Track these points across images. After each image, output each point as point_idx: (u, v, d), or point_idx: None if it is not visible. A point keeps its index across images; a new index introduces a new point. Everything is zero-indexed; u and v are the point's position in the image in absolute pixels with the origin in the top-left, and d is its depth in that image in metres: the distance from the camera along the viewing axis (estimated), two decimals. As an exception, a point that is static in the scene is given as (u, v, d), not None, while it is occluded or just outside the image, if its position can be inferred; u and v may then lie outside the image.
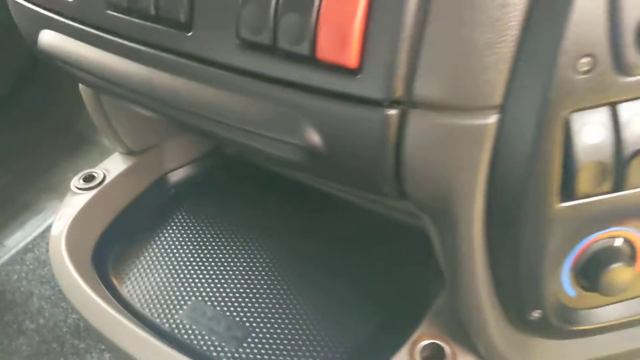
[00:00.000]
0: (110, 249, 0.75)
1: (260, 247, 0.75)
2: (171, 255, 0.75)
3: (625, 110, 0.37)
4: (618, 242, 0.50)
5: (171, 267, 0.73)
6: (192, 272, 0.73)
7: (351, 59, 0.37)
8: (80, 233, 0.73)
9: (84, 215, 0.74)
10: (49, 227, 1.27)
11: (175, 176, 0.83)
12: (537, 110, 0.36)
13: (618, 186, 0.39)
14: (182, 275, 0.72)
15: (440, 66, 0.36)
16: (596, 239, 0.49)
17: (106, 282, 0.69)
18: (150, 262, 0.74)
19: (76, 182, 0.77)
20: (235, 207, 0.81)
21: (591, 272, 0.49)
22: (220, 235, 0.77)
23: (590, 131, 0.37)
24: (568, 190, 0.39)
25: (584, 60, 0.34)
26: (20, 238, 1.28)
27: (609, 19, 0.34)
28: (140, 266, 0.74)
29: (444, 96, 0.37)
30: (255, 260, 0.73)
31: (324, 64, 0.38)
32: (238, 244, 0.76)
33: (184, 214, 0.80)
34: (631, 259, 0.51)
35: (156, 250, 0.76)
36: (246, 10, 0.39)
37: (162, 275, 0.72)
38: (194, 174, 0.83)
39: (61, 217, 0.73)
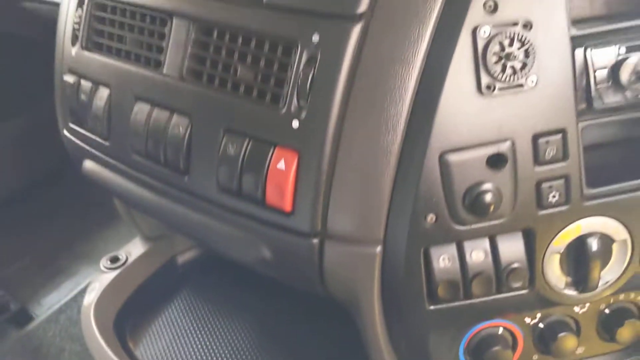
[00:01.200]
0: (128, 318, 0.94)
1: (253, 327, 0.93)
2: (178, 326, 0.94)
3: (467, 246, 0.55)
4: (500, 331, 0.67)
5: (177, 335, 0.92)
6: (194, 341, 0.91)
7: (287, 206, 0.57)
8: (106, 305, 0.92)
9: (109, 290, 0.94)
10: (81, 291, 1.46)
11: (183, 258, 1.02)
12: (405, 245, 0.55)
13: (468, 296, 0.57)
14: (185, 343, 0.91)
15: (343, 213, 0.55)
16: (483, 327, 0.66)
17: (124, 345, 0.88)
18: (160, 331, 0.93)
19: (104, 262, 0.97)
20: (233, 287, 1.00)
21: (478, 354, 0.66)
22: (220, 311, 0.96)
23: (444, 259, 0.55)
24: (433, 298, 0.57)
25: (430, 215, 0.53)
26: (55, 299, 1.48)
27: (445, 189, 0.53)
28: (152, 333, 0.93)
29: (346, 233, 0.56)
30: (247, 339, 0.91)
31: (271, 207, 0.58)
32: (236, 322, 0.94)
33: (190, 291, 0.99)
34: (513, 345, 0.68)
35: (165, 321, 0.95)
36: (221, 169, 0.60)
37: (170, 341, 0.91)
38: (200, 256, 1.03)
39: (91, 290, 0.93)
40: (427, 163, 0.52)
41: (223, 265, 1.02)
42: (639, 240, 0.57)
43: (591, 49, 0.52)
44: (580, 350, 0.69)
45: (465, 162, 0.52)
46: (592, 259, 0.56)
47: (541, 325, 0.67)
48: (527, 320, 0.66)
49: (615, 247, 0.57)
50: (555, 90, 0.52)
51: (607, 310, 0.67)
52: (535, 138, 0.52)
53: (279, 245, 0.59)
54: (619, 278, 0.59)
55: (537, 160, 0.53)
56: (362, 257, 0.56)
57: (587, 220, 0.55)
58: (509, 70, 0.50)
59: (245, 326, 0.92)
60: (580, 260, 0.57)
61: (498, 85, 0.50)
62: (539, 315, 0.66)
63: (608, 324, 0.67)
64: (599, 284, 0.59)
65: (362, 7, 0.52)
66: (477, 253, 0.56)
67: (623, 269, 0.58)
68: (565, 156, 0.53)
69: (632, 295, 0.67)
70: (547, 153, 0.52)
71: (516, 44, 0.50)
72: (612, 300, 0.67)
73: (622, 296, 0.67)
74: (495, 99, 0.51)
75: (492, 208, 0.53)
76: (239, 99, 0.59)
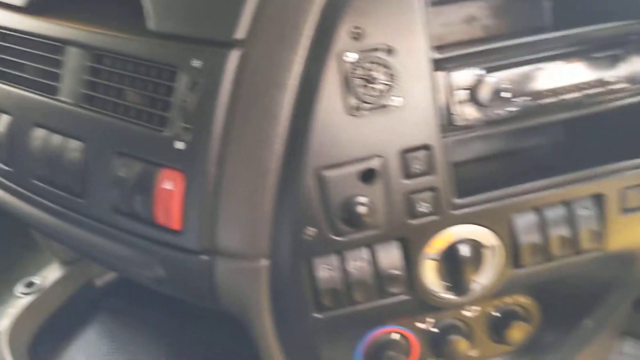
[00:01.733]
0: (44, 343, 0.94)
1: (169, 348, 0.94)
2: (94, 349, 0.94)
3: (348, 255, 0.59)
4: (394, 337, 0.71)
5: (93, 359, 0.93)
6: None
7: (175, 224, 0.59)
8: (20, 330, 0.92)
9: (24, 315, 0.93)
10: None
11: (101, 281, 1.03)
12: (289, 257, 0.58)
13: (352, 303, 0.60)
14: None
15: (230, 230, 0.58)
16: (378, 334, 0.70)
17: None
18: (76, 355, 0.93)
19: (19, 288, 0.96)
20: (150, 308, 1.01)
21: (374, 358, 0.69)
22: (136, 333, 0.97)
23: (326, 269, 0.59)
24: (320, 306, 0.60)
25: (310, 228, 0.57)
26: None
27: (322, 204, 0.56)
28: (67, 358, 0.93)
29: (234, 248, 0.58)
30: None
31: (162, 227, 0.60)
32: (152, 343, 0.95)
33: (106, 314, 1.00)
34: (408, 351, 0.72)
35: (82, 345, 0.95)
36: (113, 191, 0.61)
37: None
38: (116, 279, 1.04)
39: (5, 316, 0.93)
40: (304, 180, 0.55)
41: (140, 287, 1.03)
42: (508, 246, 0.61)
43: (451, 71, 0.56)
44: (474, 353, 0.73)
45: (339, 177, 0.56)
46: (464, 264, 0.60)
47: (434, 329, 0.71)
48: (420, 325, 0.70)
49: (486, 252, 0.62)
50: (419, 109, 0.56)
51: (495, 314, 0.72)
52: (403, 154, 0.56)
53: (171, 263, 0.61)
54: (493, 281, 0.63)
55: (406, 174, 0.57)
56: (250, 271, 0.59)
57: (457, 228, 0.60)
58: (373, 92, 0.54)
59: (161, 347, 0.93)
60: (453, 266, 0.61)
61: (365, 106, 0.54)
62: (430, 320, 0.70)
63: (497, 327, 0.72)
64: (475, 288, 0.63)
65: (240, 34, 0.55)
66: (357, 262, 0.59)
67: (496, 273, 0.63)
68: (432, 170, 0.57)
69: (519, 298, 0.72)
70: (415, 167, 0.57)
71: (379, 69, 0.54)
72: (499, 304, 0.72)
73: (508, 299, 0.72)
74: (363, 118, 0.55)
75: (366, 219, 0.56)
76: (130, 123, 0.61)
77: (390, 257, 0.59)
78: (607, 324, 0.75)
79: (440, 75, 0.56)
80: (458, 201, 0.59)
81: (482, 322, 0.71)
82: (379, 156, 0.56)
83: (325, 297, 0.59)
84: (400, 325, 0.70)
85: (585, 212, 0.62)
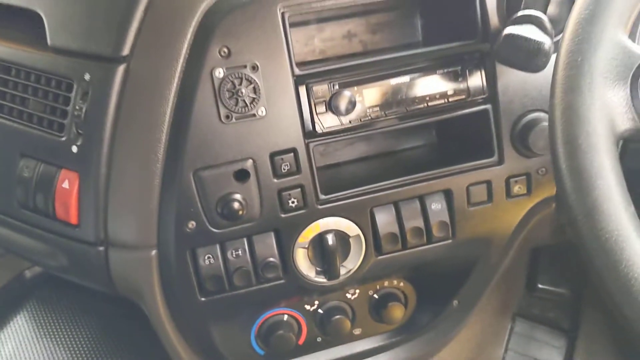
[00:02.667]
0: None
1: (95, 331, 1.00)
2: (22, 335, 1.01)
3: (228, 245, 0.67)
4: (285, 318, 0.80)
5: (21, 344, 0.99)
6: (37, 348, 0.98)
7: (73, 219, 0.66)
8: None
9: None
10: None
11: (32, 272, 1.09)
12: (174, 248, 0.66)
13: (233, 288, 0.69)
14: (29, 351, 0.98)
15: (121, 224, 0.66)
16: (269, 315, 0.78)
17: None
18: (4, 341, 1.00)
19: (-50, 280, 1.02)
20: (78, 295, 1.08)
21: (267, 338, 0.78)
22: (64, 319, 1.04)
23: (208, 258, 0.67)
24: (204, 291, 0.69)
25: (191, 222, 0.65)
26: None
27: (200, 200, 0.64)
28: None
29: (125, 240, 0.66)
30: (89, 342, 0.99)
31: (62, 221, 0.68)
32: (79, 327, 1.02)
33: (36, 302, 1.06)
34: (298, 330, 0.80)
35: (10, 331, 1.01)
36: (19, 189, 0.69)
37: (13, 350, 0.98)
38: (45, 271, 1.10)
39: None
40: (185, 179, 0.63)
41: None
42: (369, 235, 0.71)
43: (313, 85, 0.65)
44: (357, 332, 0.83)
45: (215, 177, 0.64)
46: (331, 252, 0.69)
47: (320, 310, 0.80)
48: (308, 307, 0.79)
49: (351, 241, 0.71)
50: (285, 118, 0.64)
51: (375, 296, 0.81)
52: (272, 156, 0.65)
53: (72, 253, 0.68)
54: (360, 266, 0.72)
55: (276, 174, 0.65)
56: (141, 261, 0.67)
57: (324, 220, 0.69)
58: (241, 103, 0.62)
59: (88, 330, 1.00)
60: (323, 253, 0.70)
61: (234, 115, 0.63)
62: (317, 302, 0.79)
63: (376, 307, 0.81)
64: (343, 272, 0.72)
65: (125, 50, 0.63)
66: (236, 251, 0.68)
67: (361, 258, 0.72)
68: (298, 170, 0.66)
69: (395, 281, 0.82)
70: (283, 168, 0.65)
71: (245, 83, 0.62)
72: (378, 287, 0.81)
73: (387, 283, 0.81)
74: (235, 125, 0.63)
75: (241, 213, 0.65)
76: (32, 128, 0.68)
77: (266, 246, 0.68)
78: (473, 304, 0.85)
79: (303, 88, 0.65)
80: (323, 197, 0.68)
81: (362, 304, 0.81)
82: (250, 159, 0.64)
83: (209, 282, 0.68)
84: (290, 307, 0.79)
85: (436, 205, 0.71)
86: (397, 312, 0.80)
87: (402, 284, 0.81)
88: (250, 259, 0.68)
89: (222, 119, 0.63)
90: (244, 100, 0.62)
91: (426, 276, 0.80)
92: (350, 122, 0.67)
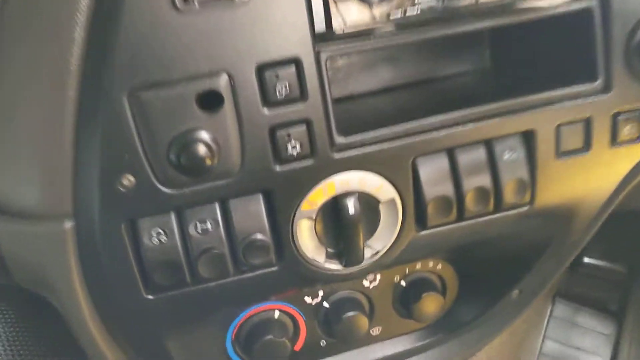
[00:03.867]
0: None
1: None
2: None
3: (190, 215, 0.42)
4: (275, 315, 0.55)
5: None
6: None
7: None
8: None
9: None
10: None
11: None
12: (101, 217, 0.41)
13: (198, 280, 0.44)
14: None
15: (14, 183, 0.40)
16: (254, 311, 0.54)
17: None
18: None
19: None
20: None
21: (249, 346, 0.54)
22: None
23: (157, 235, 0.42)
24: (151, 285, 0.44)
25: (127, 176, 0.39)
26: None
27: (142, 140, 0.39)
28: None
29: (22, 207, 0.41)
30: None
31: None
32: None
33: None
34: (294, 332, 0.56)
35: None
36: None
37: None
38: None
39: None
40: (114, 106, 0.38)
41: None
42: (409, 200, 0.46)
43: (329, -49, 0.39)
44: (376, 332, 0.60)
45: (166, 102, 0.39)
46: (352, 225, 0.45)
47: (325, 304, 0.56)
48: (308, 300, 0.55)
49: (382, 208, 0.46)
50: (282, 6, 0.39)
51: (403, 283, 0.57)
52: (261, 70, 0.40)
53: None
54: (392, 246, 0.48)
55: (267, 100, 0.40)
56: (48, 237, 0.42)
57: (342, 177, 0.44)
58: (209, -25, 0.37)
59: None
60: (338, 227, 0.45)
61: (198, -3, 0.37)
62: (321, 293, 0.55)
63: (404, 299, 0.58)
64: (368, 255, 0.47)
65: None
66: (204, 224, 0.43)
67: (395, 234, 0.47)
68: (303, 94, 0.41)
69: (431, 264, 0.57)
70: (278, 90, 0.40)
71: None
72: (407, 271, 0.57)
73: (418, 265, 0.57)
74: (197, 16, 0.38)
75: (209, 163, 0.40)
76: None
77: (251, 216, 0.43)
78: (537, 293, 0.61)
79: (314, -44, 0.39)
80: (341, 140, 0.43)
81: (385, 294, 0.57)
82: (225, 73, 0.39)
83: (158, 273, 0.43)
84: (283, 300, 0.55)
85: (510, 155, 0.47)
86: (433, 306, 0.57)
87: (440, 266, 0.57)
88: (226, 235, 0.43)
89: (178, 4, 0.37)
90: (214, -30, 0.36)
91: (477, 257, 0.56)
92: (387, 17, 0.41)
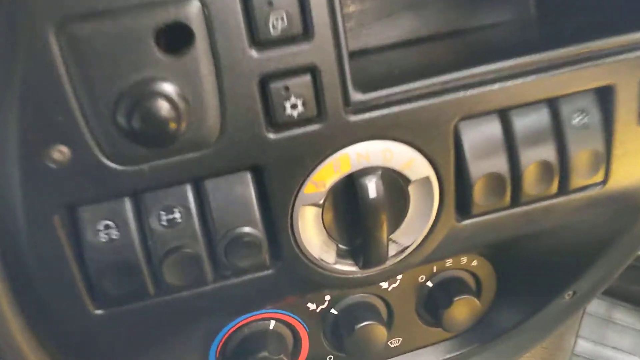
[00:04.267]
0: None
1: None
2: None
3: (150, 201, 0.30)
4: (271, 326, 0.44)
5: None
6: None
7: None
8: None
9: None
10: None
11: None
12: (21, 205, 0.29)
13: (165, 290, 0.32)
14: None
15: None
16: (244, 321, 0.43)
17: None
18: None
19: None
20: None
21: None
22: None
23: (105, 229, 0.30)
24: (101, 295, 0.32)
25: (60, 147, 0.28)
26: None
27: (77, 93, 0.27)
28: None
29: None
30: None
31: None
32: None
33: None
34: (295, 345, 0.46)
35: None
36: None
37: None
38: None
39: None
40: (36, 45, 0.26)
41: None
42: (449, 178, 0.34)
43: None
44: (395, 343, 0.49)
45: (112, 40, 0.27)
46: (373, 213, 0.33)
47: (334, 311, 0.44)
48: (312, 306, 0.44)
49: (412, 190, 0.34)
50: None
51: (429, 284, 0.46)
52: (247, -8, 0.28)
53: None
54: (424, 241, 0.36)
55: (255, 37, 0.28)
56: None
57: (359, 148, 0.32)
58: None
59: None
60: (354, 216, 0.34)
61: None
62: (328, 297, 0.44)
63: (431, 304, 0.47)
64: (393, 251, 0.36)
65: None
66: (170, 213, 0.31)
67: (429, 225, 0.36)
68: (307, 30, 0.29)
69: (465, 260, 0.46)
70: (272, 23, 0.28)
71: None
72: (435, 269, 0.46)
73: (449, 262, 0.46)
74: None
75: (174, 127, 0.28)
76: None
77: (235, 202, 0.32)
78: (593, 295, 0.50)
79: None
80: (359, 96, 0.31)
81: (407, 298, 0.47)
82: (194, -2, 0.27)
83: (108, 279, 0.31)
84: (279, 307, 0.43)
85: (582, 119, 0.35)
86: (466, 312, 0.47)
87: (475, 262, 0.46)
88: (201, 229, 0.31)
89: None
90: None
91: (525, 252, 0.44)
92: None
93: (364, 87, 0.32)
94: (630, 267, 0.86)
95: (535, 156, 0.35)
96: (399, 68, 0.38)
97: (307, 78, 0.30)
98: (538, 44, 0.39)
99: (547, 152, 0.35)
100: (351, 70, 0.31)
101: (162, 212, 0.31)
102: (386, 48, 0.42)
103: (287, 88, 0.29)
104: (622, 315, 0.86)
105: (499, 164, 0.35)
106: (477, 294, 0.47)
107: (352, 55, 0.39)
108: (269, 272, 0.34)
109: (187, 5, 0.27)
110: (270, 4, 0.28)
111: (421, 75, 0.33)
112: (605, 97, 0.36)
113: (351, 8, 0.42)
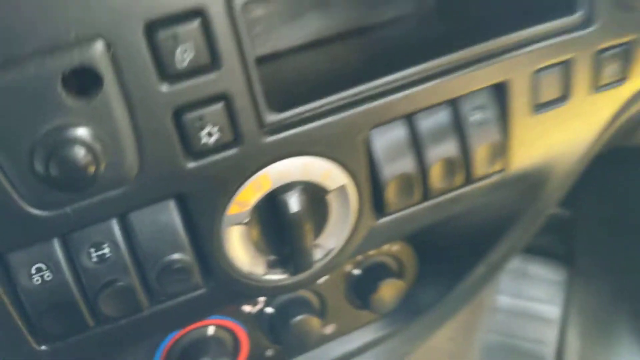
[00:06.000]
0: None
1: None
2: None
3: (78, 240, 0.31)
4: (210, 331, 0.45)
5: None
6: None
7: None
8: None
9: None
10: None
11: None
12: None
13: (102, 321, 0.33)
14: None
15: None
16: (183, 332, 0.44)
17: None
18: None
19: None
20: None
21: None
22: None
23: (36, 271, 0.30)
24: (42, 333, 0.32)
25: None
26: None
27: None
28: None
29: None
30: None
31: None
32: None
33: None
34: (234, 347, 0.47)
35: None
36: None
37: None
38: None
39: None
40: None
41: None
42: (364, 183, 0.36)
43: None
44: (330, 329, 0.51)
45: (18, 89, 0.27)
46: (297, 225, 0.35)
47: (269, 310, 0.46)
48: (247, 308, 0.45)
49: (331, 199, 0.36)
50: None
51: (356, 272, 0.49)
52: (151, 30, 0.28)
53: None
54: (347, 241, 0.38)
55: (164, 71, 0.29)
56: None
57: (278, 166, 0.33)
58: None
59: None
60: (279, 229, 0.35)
61: None
62: (262, 299, 0.45)
63: (359, 289, 0.49)
64: (319, 255, 0.38)
65: None
66: (100, 250, 0.31)
67: (350, 228, 0.38)
68: (215, 59, 0.29)
69: (387, 246, 0.48)
70: (178, 56, 0.29)
71: None
72: (360, 257, 0.48)
73: (372, 251, 0.48)
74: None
75: (92, 170, 0.28)
76: None
77: (162, 230, 0.32)
78: (504, 264, 0.54)
79: None
80: (273, 117, 0.32)
81: (338, 287, 0.49)
82: (100, 39, 0.27)
83: (48, 318, 0.32)
84: (219, 313, 0.45)
85: (480, 114, 0.38)
86: (391, 293, 0.49)
87: (396, 247, 0.49)
88: (131, 261, 0.32)
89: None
90: None
91: (440, 235, 0.48)
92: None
93: (278, 105, 0.33)
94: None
95: (440, 154, 0.37)
96: (310, 75, 0.39)
97: (220, 106, 0.31)
98: (439, 42, 0.41)
99: (451, 149, 0.38)
100: (264, 83, 0.32)
101: (92, 249, 0.31)
102: (295, 50, 0.43)
103: (201, 117, 0.30)
104: (535, 268, 0.92)
105: (408, 165, 0.37)
106: (401, 275, 0.50)
107: (262, 61, 0.40)
108: (203, 291, 0.35)
109: (91, 47, 0.27)
110: (175, 37, 0.28)
111: (331, 87, 0.34)
112: (500, 92, 0.38)
113: (258, 12, 0.43)
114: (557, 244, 0.94)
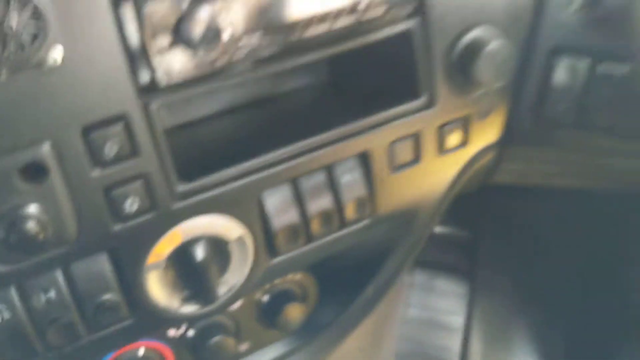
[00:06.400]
0: None
1: None
2: None
3: (33, 287, 0.40)
4: (141, 352, 0.54)
5: None
6: None
7: None
8: None
9: None
10: None
11: None
12: None
13: (53, 348, 0.42)
14: None
15: None
16: (117, 354, 0.53)
17: None
18: None
19: None
20: None
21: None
22: None
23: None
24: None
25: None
26: None
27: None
28: None
29: None
30: None
31: None
32: None
33: None
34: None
35: None
36: None
37: None
38: None
39: None
40: None
41: None
42: (259, 233, 0.47)
43: (144, 5, 0.38)
44: (244, 347, 0.60)
45: (-16, 181, 0.36)
46: (204, 269, 0.45)
47: (190, 333, 0.56)
48: (172, 332, 0.55)
49: (232, 247, 0.47)
50: (98, 64, 0.37)
51: (264, 298, 0.59)
52: (87, 132, 0.38)
53: None
54: (248, 277, 0.49)
55: (97, 161, 0.39)
56: None
57: (187, 225, 0.44)
58: (13, 45, 0.34)
59: None
60: (190, 272, 0.45)
61: (4, 65, 0.34)
62: (184, 324, 0.55)
63: (268, 312, 0.59)
64: (223, 290, 0.48)
65: None
66: (48, 293, 0.41)
67: (249, 267, 0.48)
68: (135, 150, 0.39)
69: (290, 275, 0.59)
70: (107, 150, 0.38)
71: (17, 5, 0.34)
72: (268, 286, 0.58)
73: (278, 279, 0.59)
74: (7, 87, 0.35)
75: (42, 237, 0.37)
76: None
77: (97, 277, 0.42)
78: (391, 284, 0.65)
79: (128, 7, 0.37)
80: (183, 187, 0.42)
81: (248, 312, 0.58)
82: (47, 141, 0.37)
83: (7, 347, 0.41)
84: (147, 337, 0.54)
85: (349, 176, 0.49)
86: (296, 314, 0.59)
87: (299, 276, 0.59)
88: (73, 300, 0.42)
89: (-19, 75, 0.34)
90: (19, 39, 0.34)
91: (332, 264, 0.58)
92: (213, 60, 0.41)
93: (188, 175, 0.43)
94: (442, 243, 1.05)
95: (319, 207, 0.48)
96: (217, 143, 0.50)
97: (139, 183, 0.40)
98: (328, 111, 0.52)
99: (327, 204, 0.49)
100: (177, 152, 0.42)
101: (41, 293, 0.40)
102: (207, 119, 0.53)
103: (124, 192, 0.40)
104: (440, 282, 1.05)
105: (293, 218, 0.48)
106: (303, 299, 0.61)
107: (177, 129, 0.50)
108: (130, 322, 0.45)
109: (41, 147, 0.37)
110: (105, 136, 0.38)
111: (235, 155, 0.45)
112: (365, 158, 0.50)
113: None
114: (460, 261, 1.07)
